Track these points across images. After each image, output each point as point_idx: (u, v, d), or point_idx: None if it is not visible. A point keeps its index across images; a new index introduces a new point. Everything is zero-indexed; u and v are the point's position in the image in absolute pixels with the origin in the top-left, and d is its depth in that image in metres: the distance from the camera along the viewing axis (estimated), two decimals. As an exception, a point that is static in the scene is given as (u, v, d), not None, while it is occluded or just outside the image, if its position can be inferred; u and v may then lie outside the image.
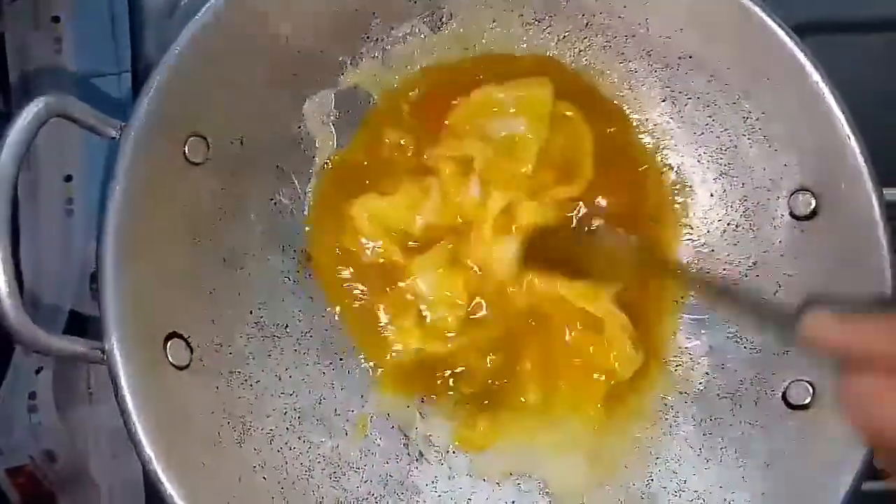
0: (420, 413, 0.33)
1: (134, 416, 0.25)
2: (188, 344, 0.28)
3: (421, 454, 0.33)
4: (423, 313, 0.33)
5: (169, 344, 0.28)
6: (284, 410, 0.31)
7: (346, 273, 0.33)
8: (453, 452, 0.33)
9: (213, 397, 0.29)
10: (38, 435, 0.37)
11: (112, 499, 0.37)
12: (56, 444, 0.37)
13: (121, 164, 0.27)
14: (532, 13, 0.33)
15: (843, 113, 0.29)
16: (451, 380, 0.33)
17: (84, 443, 0.37)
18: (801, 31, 0.30)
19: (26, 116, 0.25)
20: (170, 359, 0.27)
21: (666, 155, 0.34)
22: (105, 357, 0.25)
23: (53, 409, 0.37)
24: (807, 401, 0.30)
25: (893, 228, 0.29)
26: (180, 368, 0.28)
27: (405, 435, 0.33)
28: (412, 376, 0.33)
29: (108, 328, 0.25)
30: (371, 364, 0.33)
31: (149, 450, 0.25)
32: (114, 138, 0.27)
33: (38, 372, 0.38)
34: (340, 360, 0.33)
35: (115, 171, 0.27)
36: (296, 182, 0.33)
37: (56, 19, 0.39)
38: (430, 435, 0.33)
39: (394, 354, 0.33)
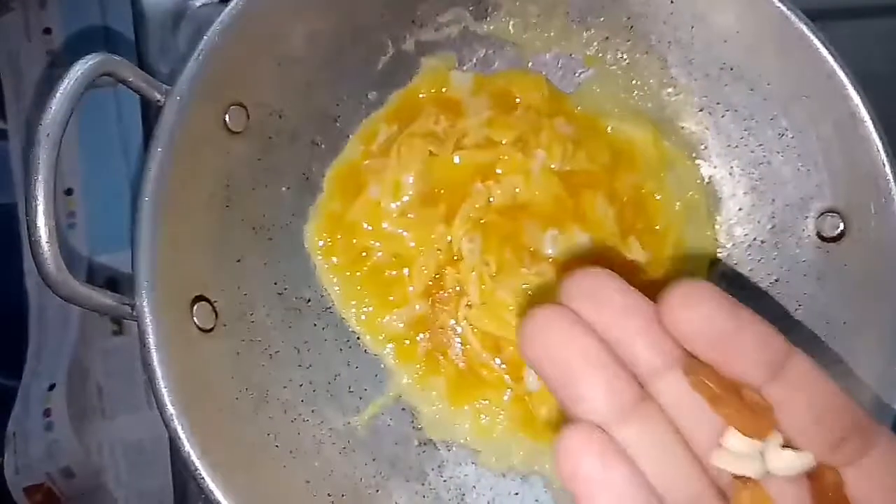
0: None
1: (158, 373, 0.25)
2: (214, 308, 0.29)
3: (430, 439, 0.33)
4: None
5: (196, 306, 0.28)
6: (300, 383, 0.32)
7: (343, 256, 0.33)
8: (461, 441, 0.33)
9: (234, 363, 0.29)
10: (54, 451, 0.37)
11: (131, 512, 0.37)
12: (72, 459, 0.37)
13: (163, 127, 0.27)
14: (577, 12, 0.33)
15: (880, 138, 0.29)
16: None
17: (100, 457, 0.38)
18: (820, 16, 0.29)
19: (74, 75, 0.25)
20: (196, 321, 0.28)
21: (698, 165, 0.34)
22: (134, 312, 0.25)
23: (69, 425, 0.38)
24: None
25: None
26: (205, 331, 0.28)
27: (415, 419, 0.33)
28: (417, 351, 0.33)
29: (139, 285, 0.25)
30: (380, 340, 0.33)
31: (171, 407, 0.25)
32: (158, 101, 0.28)
33: (51, 388, 0.38)
34: (357, 338, 0.33)
35: (157, 133, 0.27)
36: (329, 158, 0.33)
37: (48, 31, 0.39)
38: (440, 421, 0.33)
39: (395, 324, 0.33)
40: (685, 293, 0.18)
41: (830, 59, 0.29)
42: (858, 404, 0.19)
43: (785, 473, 0.19)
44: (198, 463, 0.25)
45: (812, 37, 0.29)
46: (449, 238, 0.33)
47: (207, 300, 0.29)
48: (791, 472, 0.19)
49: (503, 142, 0.34)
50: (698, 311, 0.18)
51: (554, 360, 0.18)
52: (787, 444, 0.19)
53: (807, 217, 0.32)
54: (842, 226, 0.31)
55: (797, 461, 0.19)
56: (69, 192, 0.40)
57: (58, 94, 0.23)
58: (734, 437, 0.19)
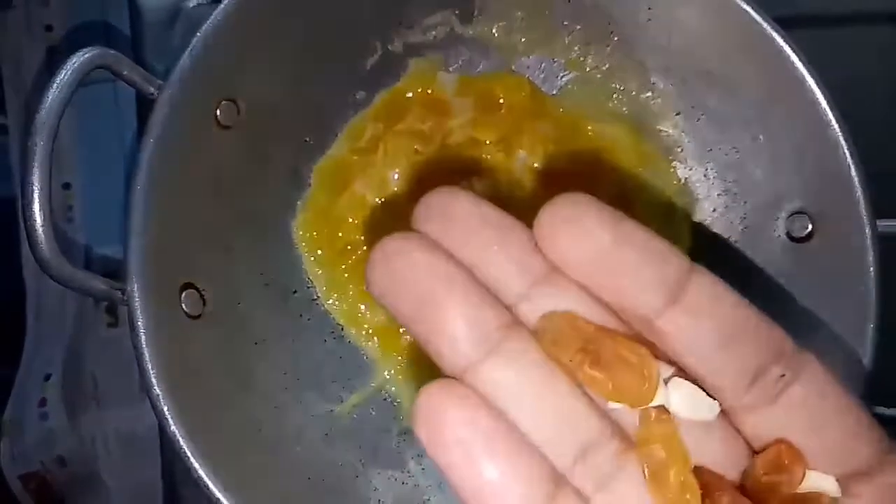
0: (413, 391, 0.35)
1: (147, 355, 0.26)
2: (202, 296, 0.30)
3: (410, 429, 0.34)
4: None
5: (184, 293, 0.29)
6: (285, 371, 0.33)
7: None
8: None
9: (220, 349, 0.30)
10: (49, 440, 0.38)
11: (123, 502, 0.38)
12: (67, 448, 0.38)
13: (155, 119, 0.28)
14: (560, 18, 0.35)
15: (847, 143, 0.30)
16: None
17: (94, 447, 0.38)
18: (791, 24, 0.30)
19: (70, 67, 0.26)
20: (184, 307, 0.29)
21: (675, 166, 0.35)
22: (125, 298, 0.26)
23: (64, 415, 0.38)
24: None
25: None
26: (193, 318, 0.29)
27: (397, 409, 0.34)
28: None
29: (130, 270, 0.27)
30: (364, 333, 0.34)
31: (157, 388, 0.26)
32: (152, 94, 0.29)
33: (47, 378, 0.39)
34: (342, 330, 0.34)
35: (150, 125, 0.28)
36: (317, 154, 0.34)
37: (49, 28, 0.40)
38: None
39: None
40: (559, 209, 0.15)
41: (801, 66, 0.30)
42: (779, 328, 0.16)
43: (686, 415, 0.16)
44: (183, 442, 0.26)
45: (783, 44, 0.30)
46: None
47: (196, 288, 0.30)
48: (693, 415, 0.16)
49: (487, 141, 0.35)
50: (575, 228, 0.15)
51: (405, 291, 0.15)
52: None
53: (777, 218, 0.33)
54: (811, 226, 0.32)
55: (698, 401, 0.16)
56: (67, 186, 0.41)
57: (54, 85, 0.24)
58: None
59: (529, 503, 0.15)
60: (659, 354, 0.16)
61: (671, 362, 0.16)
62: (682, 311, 0.16)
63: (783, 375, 0.16)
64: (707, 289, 0.16)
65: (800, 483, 0.16)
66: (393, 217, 0.34)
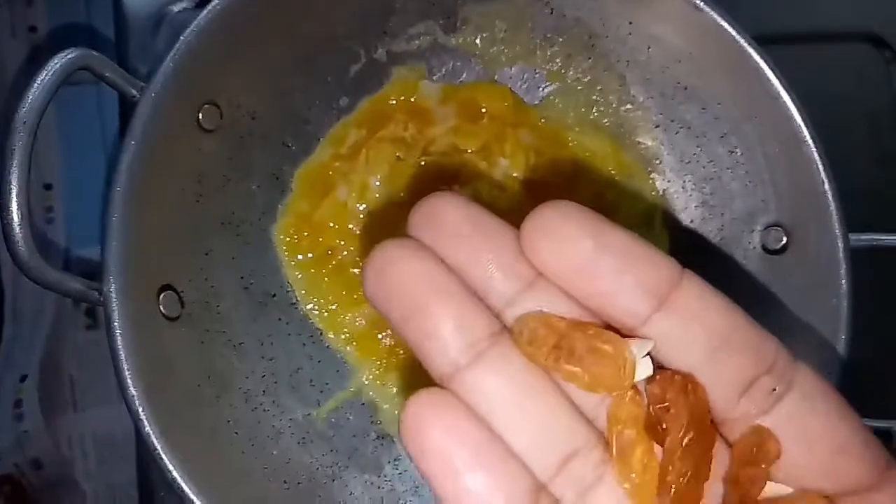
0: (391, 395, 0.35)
1: (122, 356, 0.26)
2: (180, 298, 0.30)
3: (388, 434, 0.34)
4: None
5: (162, 295, 0.29)
6: (262, 374, 0.33)
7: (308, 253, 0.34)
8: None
9: (198, 351, 0.30)
10: (24, 442, 0.38)
11: (98, 505, 0.38)
12: (42, 451, 0.38)
13: (137, 122, 0.28)
14: (542, 30, 0.35)
15: (821, 158, 0.31)
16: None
17: (70, 450, 0.38)
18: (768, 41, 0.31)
19: (52, 67, 0.26)
20: (162, 309, 0.29)
21: (654, 178, 0.36)
22: (101, 298, 0.26)
23: (40, 416, 0.38)
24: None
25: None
26: (170, 320, 0.29)
27: (374, 413, 0.34)
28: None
29: (107, 271, 0.27)
30: (343, 337, 0.34)
31: (132, 389, 0.26)
32: (134, 97, 0.29)
33: (22, 380, 0.39)
34: (320, 334, 0.34)
35: (131, 128, 0.28)
36: (299, 159, 0.35)
37: (34, 29, 0.39)
38: (399, 417, 0.34)
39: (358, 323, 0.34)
40: (542, 217, 0.16)
41: (777, 82, 0.31)
42: (772, 338, 0.16)
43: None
44: (157, 443, 0.26)
45: (760, 60, 0.31)
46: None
47: (174, 290, 0.30)
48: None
49: (469, 150, 0.35)
50: (557, 236, 0.15)
51: (397, 295, 0.16)
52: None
53: (752, 230, 0.33)
54: (785, 239, 0.32)
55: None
56: (48, 187, 0.40)
57: (35, 85, 0.24)
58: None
59: None
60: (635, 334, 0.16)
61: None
62: (669, 316, 0.15)
63: (775, 389, 0.16)
64: (696, 294, 0.16)
65: (773, 462, 0.16)
66: (374, 223, 0.34)
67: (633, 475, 0.16)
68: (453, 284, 0.16)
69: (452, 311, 0.16)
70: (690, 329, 0.16)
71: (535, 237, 0.16)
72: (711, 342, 0.16)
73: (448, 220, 0.16)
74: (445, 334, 0.16)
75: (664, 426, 0.16)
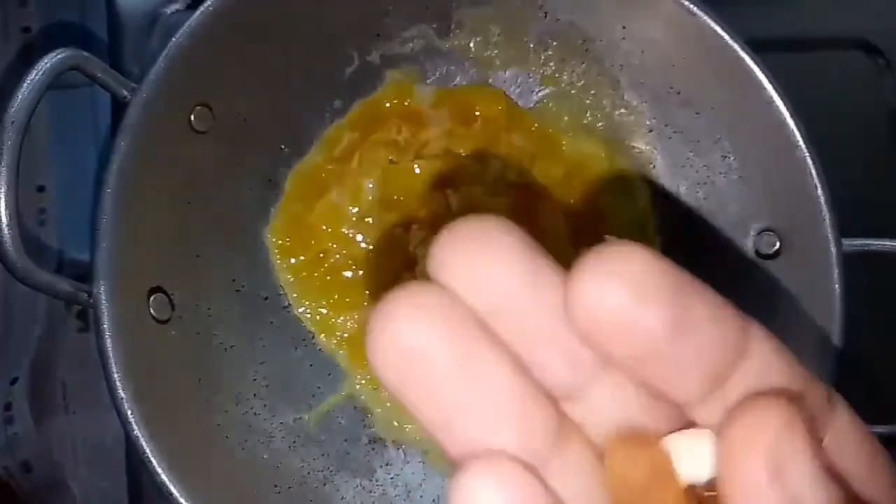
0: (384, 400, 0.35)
1: (111, 358, 0.26)
2: (171, 300, 0.30)
3: (379, 438, 0.34)
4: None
5: (153, 297, 0.29)
6: (254, 377, 0.33)
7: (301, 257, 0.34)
8: (410, 441, 0.34)
9: (189, 354, 0.30)
10: (13, 446, 0.37)
11: (89, 509, 0.37)
12: (32, 454, 0.37)
13: (128, 123, 0.28)
14: (536, 34, 0.35)
15: (814, 163, 0.31)
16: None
17: (60, 453, 0.38)
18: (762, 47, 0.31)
19: (42, 67, 0.26)
20: (152, 311, 0.29)
21: (647, 183, 0.36)
22: (91, 300, 0.26)
23: (29, 420, 0.38)
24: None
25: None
26: (161, 322, 0.29)
27: (366, 418, 0.34)
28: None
29: (97, 273, 0.26)
30: (335, 341, 0.34)
31: (122, 391, 0.26)
32: (125, 97, 0.29)
33: (13, 382, 0.38)
34: (312, 338, 0.34)
35: (122, 129, 0.28)
36: (292, 162, 0.34)
37: (27, 29, 0.39)
38: (391, 421, 0.34)
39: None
40: (602, 268, 0.11)
41: (770, 87, 0.31)
42: (821, 384, 0.13)
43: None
44: (146, 446, 0.26)
45: (753, 66, 0.31)
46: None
47: (164, 292, 0.29)
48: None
49: (462, 153, 0.35)
50: (622, 303, 0.11)
51: (421, 383, 0.11)
52: None
53: (746, 235, 0.33)
54: (778, 244, 0.32)
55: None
56: (41, 189, 0.40)
57: (25, 84, 0.24)
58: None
59: None
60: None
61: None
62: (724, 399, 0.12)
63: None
64: (761, 361, 0.12)
65: None
66: (366, 227, 0.34)
67: None
68: (499, 368, 0.12)
69: (508, 413, 0.12)
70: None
71: (588, 297, 0.11)
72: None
73: (493, 263, 0.12)
74: (504, 445, 0.11)
75: None
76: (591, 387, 0.12)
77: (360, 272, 0.34)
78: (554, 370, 0.12)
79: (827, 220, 0.30)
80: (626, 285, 0.11)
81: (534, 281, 0.12)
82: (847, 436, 0.14)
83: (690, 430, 0.13)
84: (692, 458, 0.13)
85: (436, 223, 0.34)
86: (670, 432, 0.13)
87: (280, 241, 0.34)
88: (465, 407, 0.11)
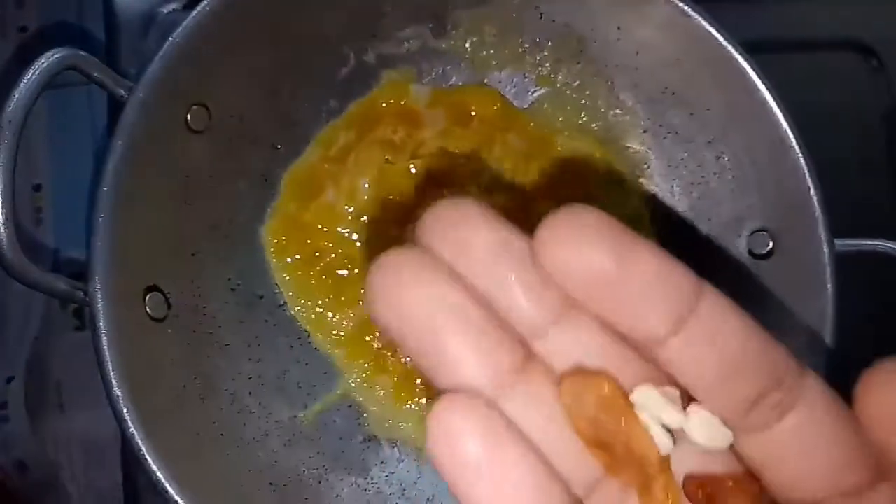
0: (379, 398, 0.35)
1: (107, 356, 0.26)
2: (167, 299, 0.30)
3: (374, 436, 0.34)
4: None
5: (148, 296, 0.29)
6: (249, 376, 0.33)
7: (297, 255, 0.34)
8: (405, 439, 0.34)
9: (184, 352, 0.30)
10: (9, 445, 0.37)
11: (84, 508, 0.37)
12: (27, 453, 0.37)
13: (124, 122, 0.28)
14: (531, 35, 0.35)
15: (807, 164, 0.31)
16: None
17: (56, 452, 0.38)
18: (756, 48, 0.31)
19: (39, 66, 0.26)
20: (148, 310, 0.29)
21: (642, 183, 0.36)
22: (87, 298, 0.26)
23: (25, 419, 0.38)
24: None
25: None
26: (157, 321, 0.29)
27: (361, 416, 0.34)
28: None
29: (93, 271, 0.26)
30: (330, 340, 0.34)
31: (117, 389, 0.26)
32: (122, 97, 0.29)
33: (8, 381, 0.38)
34: (308, 336, 0.34)
35: (119, 128, 0.28)
36: (288, 161, 0.35)
37: (24, 29, 0.39)
38: (385, 419, 0.34)
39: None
40: (561, 225, 0.14)
41: (763, 88, 0.31)
42: (783, 350, 0.15)
43: (703, 442, 0.16)
44: (142, 444, 0.26)
45: (747, 67, 0.31)
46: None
47: (160, 291, 0.30)
48: (708, 443, 0.16)
49: (458, 153, 0.35)
50: (577, 248, 0.14)
51: (410, 321, 0.14)
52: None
53: (739, 235, 0.34)
54: (771, 244, 0.33)
55: (714, 430, 0.15)
56: (38, 188, 0.40)
57: (22, 83, 0.24)
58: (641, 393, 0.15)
59: None
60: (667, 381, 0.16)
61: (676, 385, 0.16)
62: (686, 340, 0.15)
63: (782, 403, 0.15)
64: (714, 315, 0.15)
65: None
66: (361, 226, 0.34)
67: None
68: (474, 310, 0.14)
69: (474, 342, 0.14)
70: (707, 352, 0.15)
71: (551, 245, 0.14)
72: (726, 364, 0.15)
73: (468, 231, 0.14)
74: (468, 369, 0.14)
75: None
76: (556, 327, 0.15)
77: (356, 271, 0.34)
78: (522, 312, 0.15)
79: (820, 221, 0.31)
80: (582, 232, 0.14)
81: (504, 239, 0.15)
82: (817, 404, 0.15)
83: (662, 387, 0.15)
84: (657, 406, 0.15)
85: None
86: (642, 384, 0.15)
87: (276, 240, 0.34)
88: (445, 343, 0.14)
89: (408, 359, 0.34)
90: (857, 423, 0.16)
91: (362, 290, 0.34)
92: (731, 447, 0.16)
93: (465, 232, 0.14)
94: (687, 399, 0.16)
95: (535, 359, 0.15)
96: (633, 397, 0.15)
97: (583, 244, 0.14)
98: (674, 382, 0.16)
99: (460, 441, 0.14)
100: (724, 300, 0.15)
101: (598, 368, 0.15)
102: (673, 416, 0.15)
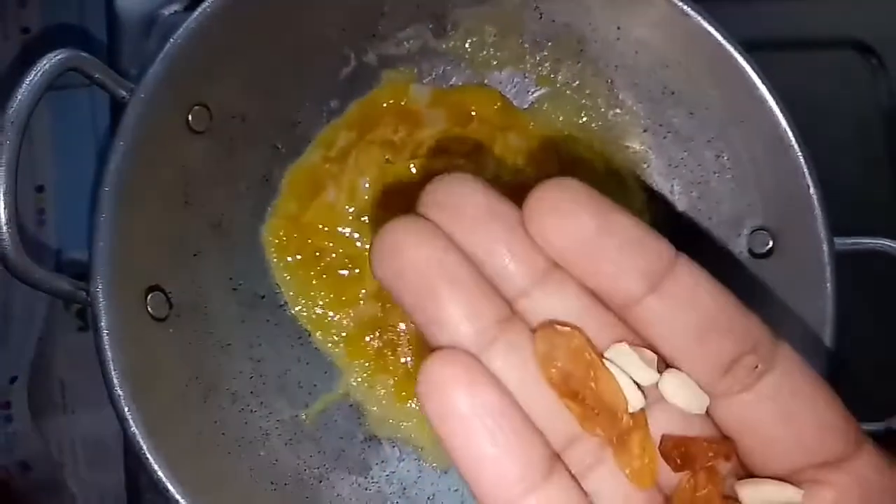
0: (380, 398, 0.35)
1: (109, 356, 0.26)
2: (168, 299, 0.30)
3: (375, 435, 0.34)
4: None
5: (150, 296, 0.29)
6: (250, 375, 0.33)
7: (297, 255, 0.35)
8: (405, 438, 0.34)
9: (186, 352, 0.30)
10: (12, 445, 0.38)
11: (88, 509, 0.38)
12: (30, 453, 0.38)
13: (126, 123, 0.28)
14: (531, 35, 0.35)
15: (806, 162, 0.31)
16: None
17: (59, 453, 0.38)
18: (755, 47, 0.31)
19: (41, 68, 0.26)
20: (149, 310, 0.29)
21: (641, 182, 0.36)
22: (89, 298, 0.26)
23: (28, 419, 0.38)
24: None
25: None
26: (158, 320, 0.29)
27: (362, 415, 0.34)
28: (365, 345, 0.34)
29: (95, 271, 0.27)
30: (331, 339, 0.35)
31: (119, 389, 0.26)
32: (123, 98, 0.29)
33: (12, 381, 0.38)
34: (309, 336, 0.35)
35: (120, 128, 0.28)
36: (288, 161, 0.35)
37: (26, 30, 0.40)
38: (386, 419, 0.35)
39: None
40: (547, 195, 0.16)
41: (763, 87, 0.31)
42: (756, 318, 0.16)
43: (679, 405, 0.17)
44: (143, 444, 0.26)
45: (746, 66, 0.31)
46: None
47: (162, 290, 0.30)
48: (685, 406, 0.17)
49: (458, 153, 0.35)
50: (561, 215, 0.16)
51: (408, 279, 0.16)
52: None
53: (739, 234, 0.34)
54: (771, 243, 0.33)
55: (691, 393, 0.16)
56: (40, 189, 0.41)
57: (24, 84, 0.25)
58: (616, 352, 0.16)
59: (526, 480, 0.15)
60: (645, 345, 0.17)
61: (651, 349, 0.17)
62: (661, 299, 0.16)
63: (757, 367, 0.16)
64: (688, 279, 0.16)
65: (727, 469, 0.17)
66: (362, 225, 0.34)
67: (633, 460, 0.16)
68: (464, 270, 0.16)
69: (463, 297, 0.16)
70: (680, 313, 0.16)
71: (538, 213, 0.16)
72: (699, 326, 0.16)
73: (463, 202, 0.16)
74: (455, 321, 0.16)
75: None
76: (540, 288, 0.16)
77: (357, 271, 0.34)
78: (508, 273, 0.16)
79: (820, 219, 0.31)
80: (566, 200, 0.16)
81: (494, 208, 0.16)
82: (793, 372, 0.16)
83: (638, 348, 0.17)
84: (629, 362, 0.16)
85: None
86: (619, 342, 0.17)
87: (277, 240, 0.34)
88: (436, 299, 0.16)
89: (408, 359, 0.34)
90: (832, 396, 0.17)
91: (363, 290, 0.34)
92: (709, 414, 0.17)
93: (459, 201, 0.16)
94: (664, 366, 0.17)
95: (518, 316, 0.17)
96: (608, 353, 0.17)
97: (566, 211, 0.16)
98: (652, 349, 0.17)
99: (446, 392, 0.15)
100: (698, 268, 0.16)
101: (574, 325, 0.16)
102: (645, 374, 0.16)
